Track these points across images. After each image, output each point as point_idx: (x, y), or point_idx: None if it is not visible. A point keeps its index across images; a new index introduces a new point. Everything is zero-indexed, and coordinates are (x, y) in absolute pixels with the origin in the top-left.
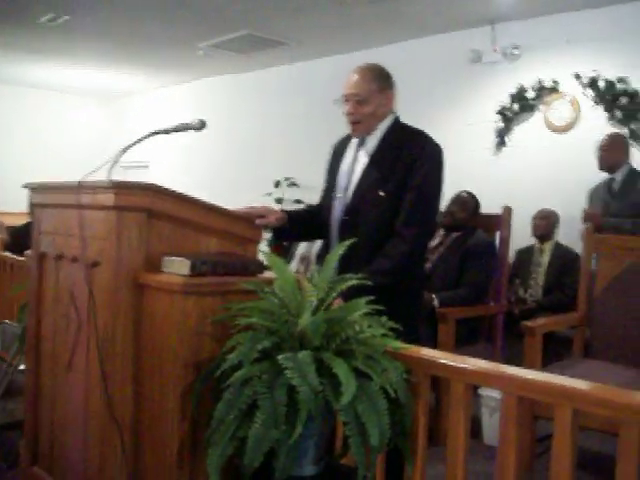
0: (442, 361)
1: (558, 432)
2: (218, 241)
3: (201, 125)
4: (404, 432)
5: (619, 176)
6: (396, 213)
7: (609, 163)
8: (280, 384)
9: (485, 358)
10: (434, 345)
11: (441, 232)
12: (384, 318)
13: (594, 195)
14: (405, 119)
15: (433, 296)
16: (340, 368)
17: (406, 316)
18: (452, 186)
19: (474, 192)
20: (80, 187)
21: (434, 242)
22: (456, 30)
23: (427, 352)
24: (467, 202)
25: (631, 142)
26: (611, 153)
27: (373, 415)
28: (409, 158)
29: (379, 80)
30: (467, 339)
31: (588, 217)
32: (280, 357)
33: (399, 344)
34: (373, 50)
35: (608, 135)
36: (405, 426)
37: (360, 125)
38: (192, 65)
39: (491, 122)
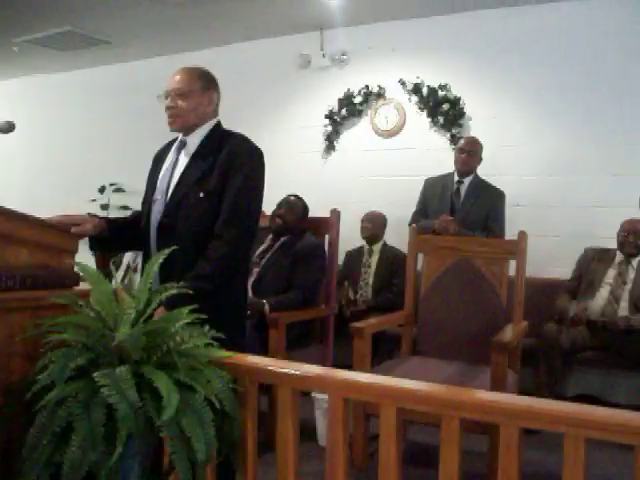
0: (268, 367)
1: (383, 430)
2: (29, 252)
3: (8, 127)
4: (233, 442)
5: (467, 181)
6: (216, 215)
7: (470, 167)
8: (97, 403)
9: (317, 361)
10: (266, 351)
11: (269, 236)
12: (207, 327)
13: (430, 190)
14: (235, 121)
15: (263, 302)
16: (161, 382)
17: (230, 324)
18: (282, 189)
19: (304, 195)
20: None
21: (262, 247)
22: (286, 34)
23: (252, 359)
24: (295, 205)
25: (452, 147)
26: (473, 158)
27: (198, 428)
28: (229, 159)
29: (202, 80)
30: (299, 342)
31: (445, 224)
32: (95, 374)
33: (223, 353)
34: (202, 52)
35: (470, 138)
36: (233, 436)
37: (178, 119)
38: (6, 62)
39: (321, 126)
